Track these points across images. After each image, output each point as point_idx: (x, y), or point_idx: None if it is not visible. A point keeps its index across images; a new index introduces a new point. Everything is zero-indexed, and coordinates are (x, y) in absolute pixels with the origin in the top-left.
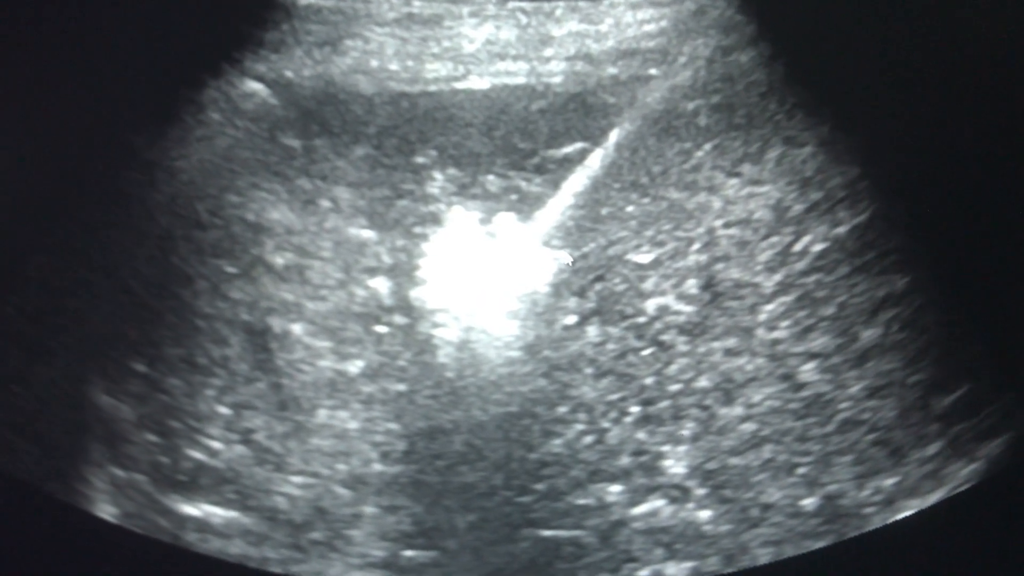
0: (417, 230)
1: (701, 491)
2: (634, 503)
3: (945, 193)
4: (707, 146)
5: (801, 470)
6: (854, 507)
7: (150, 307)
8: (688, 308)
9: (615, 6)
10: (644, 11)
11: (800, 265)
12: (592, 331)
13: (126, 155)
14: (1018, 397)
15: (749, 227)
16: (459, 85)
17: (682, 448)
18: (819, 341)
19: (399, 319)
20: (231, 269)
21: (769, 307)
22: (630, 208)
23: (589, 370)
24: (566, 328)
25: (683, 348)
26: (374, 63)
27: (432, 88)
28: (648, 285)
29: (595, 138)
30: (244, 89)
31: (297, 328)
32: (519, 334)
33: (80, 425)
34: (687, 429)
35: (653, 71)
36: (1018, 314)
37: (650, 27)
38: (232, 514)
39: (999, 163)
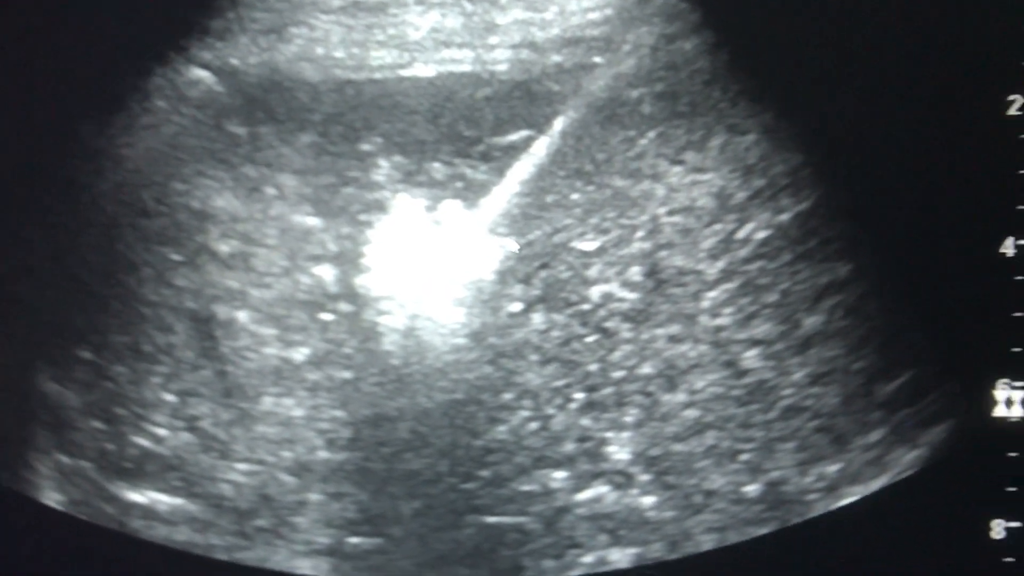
0: (362, 217)
1: (645, 477)
2: (578, 489)
3: (888, 180)
4: (651, 134)
5: (744, 456)
6: (797, 494)
7: (96, 295)
8: (632, 295)
9: None
10: None
11: (743, 252)
12: (537, 318)
13: (72, 143)
14: (961, 384)
15: (692, 215)
16: (405, 73)
17: (626, 434)
18: (762, 328)
19: (344, 307)
20: (176, 257)
21: (712, 294)
22: (575, 196)
23: (534, 357)
24: (511, 315)
25: (627, 335)
26: (319, 51)
27: (378, 76)
28: (592, 272)
29: (540, 126)
30: (190, 77)
31: (242, 316)
32: (465, 321)
33: (26, 412)
34: (631, 415)
35: (597, 59)
36: (961, 301)
37: (594, 15)
38: (178, 501)
39: (942, 151)
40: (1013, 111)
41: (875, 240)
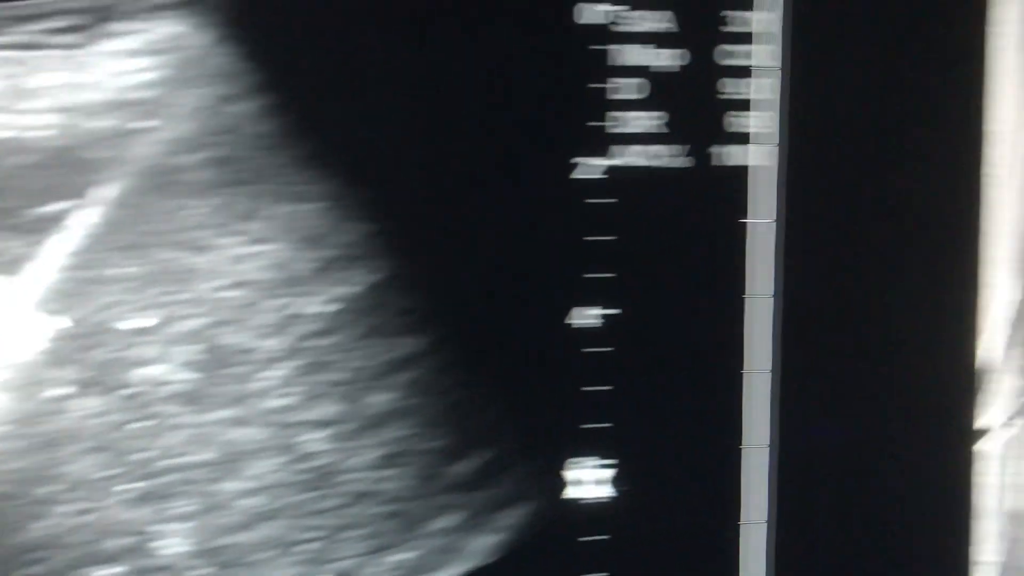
0: None
1: (203, 572)
2: None
3: (460, 250)
4: (209, 203)
5: (309, 546)
6: None
7: None
8: (188, 376)
9: (109, 55)
10: (140, 59)
11: (308, 328)
12: (86, 403)
13: None
14: (540, 464)
15: (254, 288)
16: None
17: (182, 526)
18: (328, 408)
19: None
20: None
21: (275, 373)
22: (126, 270)
23: (82, 445)
24: (57, 400)
25: (183, 419)
26: None
27: None
28: (146, 352)
29: (86, 195)
30: None
31: None
32: (6, 407)
33: None
34: (188, 506)
35: (150, 123)
36: (533, 375)
37: (146, 76)
38: None
39: (512, 218)
40: (579, 174)
41: (448, 312)
